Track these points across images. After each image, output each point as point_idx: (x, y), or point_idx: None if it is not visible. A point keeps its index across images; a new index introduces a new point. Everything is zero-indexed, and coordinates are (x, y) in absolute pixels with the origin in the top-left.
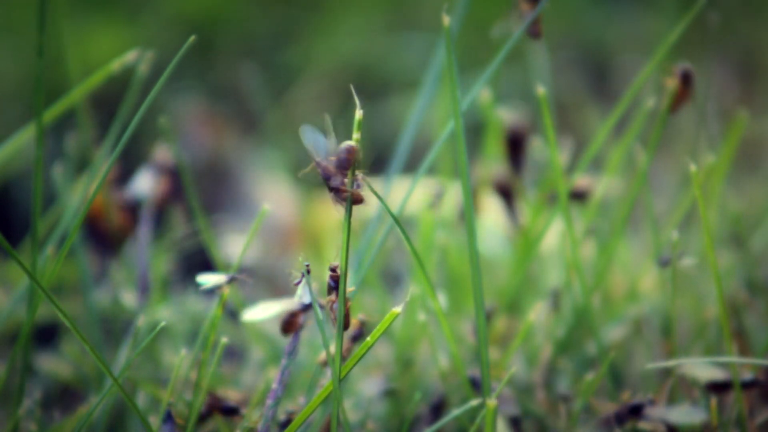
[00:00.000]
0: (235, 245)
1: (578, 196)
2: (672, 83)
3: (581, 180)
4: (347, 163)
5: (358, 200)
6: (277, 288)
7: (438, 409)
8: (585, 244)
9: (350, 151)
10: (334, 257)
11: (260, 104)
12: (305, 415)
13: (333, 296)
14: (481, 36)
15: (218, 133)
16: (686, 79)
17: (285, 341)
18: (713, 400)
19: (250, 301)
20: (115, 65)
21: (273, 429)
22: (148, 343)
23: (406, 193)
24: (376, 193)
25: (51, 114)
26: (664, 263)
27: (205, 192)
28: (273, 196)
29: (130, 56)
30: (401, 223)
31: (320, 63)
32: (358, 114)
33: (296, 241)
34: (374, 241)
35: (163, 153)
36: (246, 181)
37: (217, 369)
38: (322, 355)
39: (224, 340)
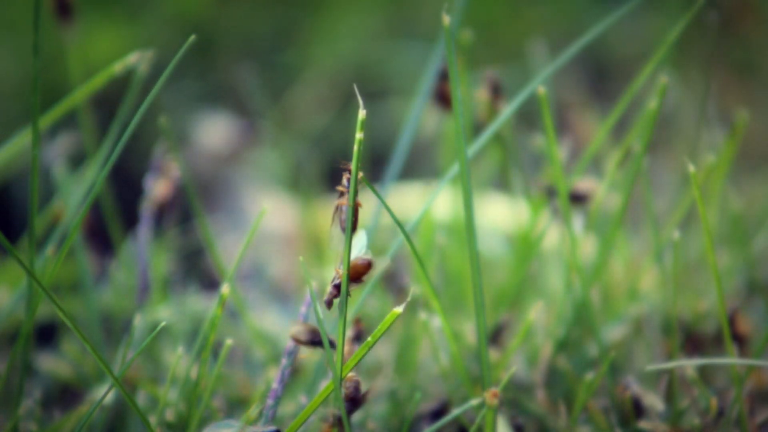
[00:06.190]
0: (235, 245)
1: (579, 199)
2: (482, 94)
3: (583, 183)
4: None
5: None
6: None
7: (439, 410)
8: (585, 244)
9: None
10: (335, 261)
11: (259, 105)
12: (305, 415)
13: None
14: (482, 36)
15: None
16: (495, 89)
17: (285, 341)
18: (713, 400)
19: (250, 303)
20: (118, 67)
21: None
22: (148, 343)
23: (426, 204)
24: (381, 199)
25: (51, 116)
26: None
27: (204, 192)
28: (272, 198)
29: (132, 58)
30: (400, 222)
31: (319, 64)
32: (361, 114)
33: (297, 246)
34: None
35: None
36: (245, 182)
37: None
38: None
39: (229, 341)
